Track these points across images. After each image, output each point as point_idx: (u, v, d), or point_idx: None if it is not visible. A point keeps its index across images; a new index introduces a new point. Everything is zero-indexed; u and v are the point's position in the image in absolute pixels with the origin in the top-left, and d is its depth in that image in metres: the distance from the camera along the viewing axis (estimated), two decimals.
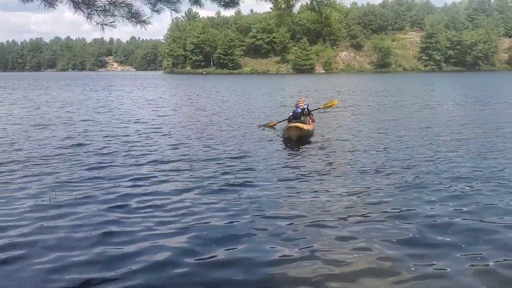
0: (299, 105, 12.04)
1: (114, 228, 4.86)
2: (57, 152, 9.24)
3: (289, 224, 4.99)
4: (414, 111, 17.52)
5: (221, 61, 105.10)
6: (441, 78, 56.40)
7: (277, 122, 12.74)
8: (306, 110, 11.90)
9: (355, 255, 4.13)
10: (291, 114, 12.02)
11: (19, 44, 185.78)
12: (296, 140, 9.72)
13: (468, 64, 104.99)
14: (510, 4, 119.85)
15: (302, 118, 11.53)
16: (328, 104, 13.34)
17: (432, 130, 12.37)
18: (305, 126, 10.58)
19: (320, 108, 13.43)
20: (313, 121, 12.07)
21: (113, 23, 4.42)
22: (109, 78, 68.99)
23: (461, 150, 9.22)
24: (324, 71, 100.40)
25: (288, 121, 11.58)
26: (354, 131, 12.11)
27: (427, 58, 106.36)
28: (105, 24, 4.37)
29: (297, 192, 6.27)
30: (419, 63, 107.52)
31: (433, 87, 35.20)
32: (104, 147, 9.86)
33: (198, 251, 4.26)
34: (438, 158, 8.41)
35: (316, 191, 6.23)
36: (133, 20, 4.49)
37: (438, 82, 44.63)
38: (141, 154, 8.93)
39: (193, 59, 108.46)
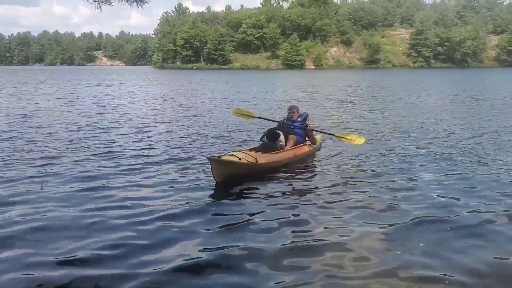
0: (290, 116, 8.19)
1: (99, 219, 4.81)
2: (48, 143, 9.26)
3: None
4: (414, 108, 17.22)
5: (211, 56, 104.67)
6: (432, 75, 56.45)
7: (257, 117, 8.70)
8: (299, 126, 8.10)
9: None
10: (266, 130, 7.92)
11: (6, 37, 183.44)
12: (221, 181, 6.06)
13: (456, 61, 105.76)
14: (498, 1, 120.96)
15: (275, 142, 7.52)
16: (349, 138, 8.35)
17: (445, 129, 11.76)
18: (245, 158, 6.41)
19: (334, 135, 8.64)
20: (312, 140, 8.30)
21: (110, 2, 4.34)
22: (97, 73, 68.01)
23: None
24: (314, 67, 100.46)
25: (261, 139, 7.77)
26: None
27: (416, 54, 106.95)
28: (102, 2, 4.29)
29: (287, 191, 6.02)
30: (408, 59, 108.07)
31: (430, 84, 35.26)
32: (93, 139, 9.78)
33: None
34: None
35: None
36: None
37: (432, 79, 44.72)
38: (134, 149, 8.74)
39: (183, 54, 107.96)
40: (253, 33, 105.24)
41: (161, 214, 4.99)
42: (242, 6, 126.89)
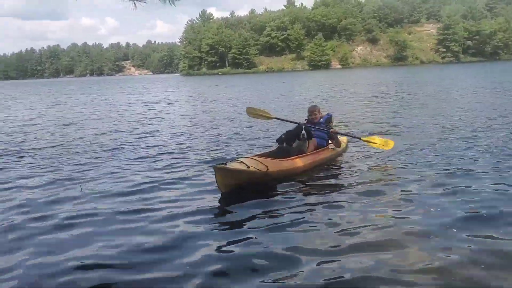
0: (312, 118, 7.26)
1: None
2: (86, 149, 9.47)
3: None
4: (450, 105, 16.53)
5: (236, 61, 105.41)
6: (463, 70, 54.89)
7: (274, 118, 7.82)
8: (316, 130, 7.08)
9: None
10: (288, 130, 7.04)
11: (37, 51, 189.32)
12: (227, 191, 5.36)
13: (487, 54, 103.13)
14: None
15: (294, 144, 6.71)
16: (376, 142, 7.29)
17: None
18: (254, 166, 5.58)
19: (360, 139, 7.51)
20: (337, 144, 7.28)
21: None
22: (127, 82, 69.27)
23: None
24: (340, 66, 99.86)
25: (278, 141, 6.97)
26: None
27: (444, 50, 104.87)
28: (137, 0, 4.31)
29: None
30: (436, 55, 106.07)
31: (461, 79, 34.33)
32: (131, 145, 10.07)
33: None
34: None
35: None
36: None
37: (462, 74, 43.52)
38: (167, 153, 8.61)
39: (208, 60, 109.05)
40: (277, 36, 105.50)
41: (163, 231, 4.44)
42: (265, 9, 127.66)
